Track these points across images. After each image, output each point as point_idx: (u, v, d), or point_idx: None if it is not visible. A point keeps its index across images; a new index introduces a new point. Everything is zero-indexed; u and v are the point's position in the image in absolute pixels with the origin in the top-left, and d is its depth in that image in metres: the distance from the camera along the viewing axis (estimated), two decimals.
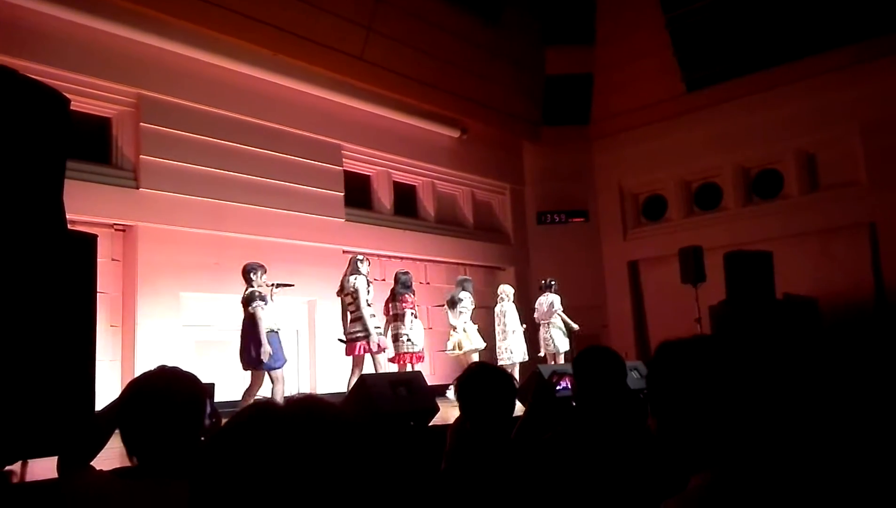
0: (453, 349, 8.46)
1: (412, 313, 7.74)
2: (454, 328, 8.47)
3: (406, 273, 8.06)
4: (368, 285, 7.25)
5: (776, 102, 11.00)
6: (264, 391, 6.36)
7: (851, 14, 10.24)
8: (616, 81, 12.56)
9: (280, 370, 6.30)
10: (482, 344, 8.44)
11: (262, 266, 6.59)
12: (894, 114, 10.00)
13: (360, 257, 7.48)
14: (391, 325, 7.70)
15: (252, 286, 6.44)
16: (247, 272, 6.51)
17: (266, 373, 6.28)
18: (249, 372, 6.39)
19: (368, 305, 7.15)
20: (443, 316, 8.87)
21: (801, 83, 10.74)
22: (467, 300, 8.44)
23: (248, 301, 6.37)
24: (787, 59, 10.83)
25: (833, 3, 10.32)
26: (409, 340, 7.56)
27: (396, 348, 7.60)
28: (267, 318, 6.31)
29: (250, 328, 6.30)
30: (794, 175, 11.18)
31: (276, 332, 6.38)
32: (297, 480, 0.71)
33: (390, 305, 7.79)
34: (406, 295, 7.77)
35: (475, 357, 8.09)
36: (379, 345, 7.05)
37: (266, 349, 6.16)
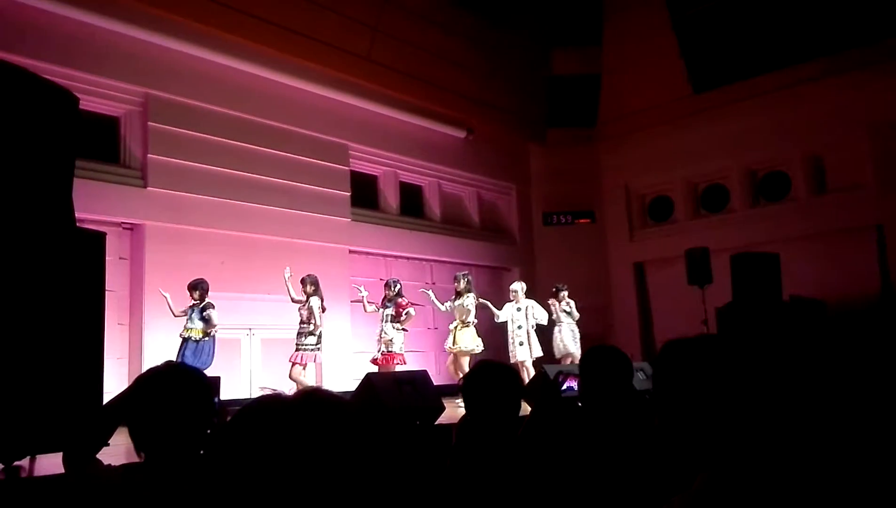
0: (452, 345, 8.39)
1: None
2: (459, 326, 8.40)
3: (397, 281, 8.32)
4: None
5: (783, 103, 10.96)
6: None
7: (859, 16, 10.20)
8: (623, 82, 12.54)
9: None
10: (478, 347, 8.28)
11: None
12: None
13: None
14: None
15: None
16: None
17: None
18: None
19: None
20: (448, 317, 8.76)
21: (809, 85, 10.71)
22: (470, 301, 8.34)
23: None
24: (794, 62, 10.79)
25: (841, 5, 10.28)
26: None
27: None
28: None
29: None
30: (802, 177, 11.14)
31: None
32: (304, 468, 0.72)
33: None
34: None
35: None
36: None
37: None
